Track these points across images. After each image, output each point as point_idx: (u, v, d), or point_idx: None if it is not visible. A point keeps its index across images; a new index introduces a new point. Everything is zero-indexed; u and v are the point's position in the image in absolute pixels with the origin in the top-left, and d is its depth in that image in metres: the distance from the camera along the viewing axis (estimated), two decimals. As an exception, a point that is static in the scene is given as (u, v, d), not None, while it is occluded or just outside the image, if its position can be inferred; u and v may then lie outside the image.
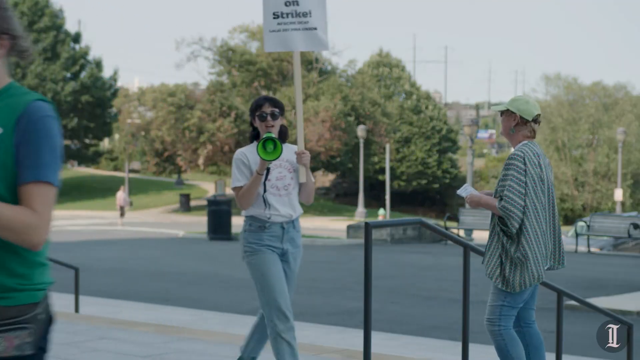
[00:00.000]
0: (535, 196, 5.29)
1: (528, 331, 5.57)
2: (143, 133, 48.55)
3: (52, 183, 2.24)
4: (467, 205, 24.84)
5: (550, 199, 5.44)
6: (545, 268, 5.42)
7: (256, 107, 5.45)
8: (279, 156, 4.98)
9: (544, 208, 5.34)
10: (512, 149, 5.49)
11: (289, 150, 5.57)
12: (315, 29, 5.68)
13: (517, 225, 5.24)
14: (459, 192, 5.74)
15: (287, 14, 5.69)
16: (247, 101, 46.20)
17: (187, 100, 46.55)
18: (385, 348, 7.80)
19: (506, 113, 5.49)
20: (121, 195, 34.86)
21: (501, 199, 5.27)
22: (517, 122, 5.45)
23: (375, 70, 57.21)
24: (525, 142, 5.42)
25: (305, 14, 5.68)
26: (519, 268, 5.27)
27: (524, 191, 5.24)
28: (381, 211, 38.62)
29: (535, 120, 5.45)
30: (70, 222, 34.30)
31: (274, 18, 5.67)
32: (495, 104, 5.58)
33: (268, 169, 5.36)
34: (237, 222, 30.43)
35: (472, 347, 6.59)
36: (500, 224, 5.32)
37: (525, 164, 5.27)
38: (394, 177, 51.34)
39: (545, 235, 5.35)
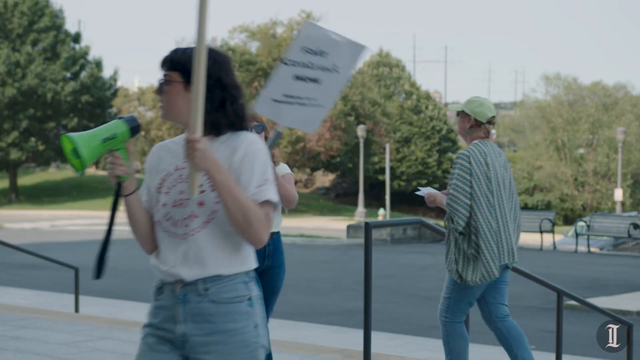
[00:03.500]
0: (481, 194, 5.37)
1: (504, 325, 5.63)
2: (143, 133, 48.53)
3: None
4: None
5: (506, 196, 5.49)
6: (502, 265, 5.47)
7: None
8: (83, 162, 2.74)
9: (493, 206, 5.39)
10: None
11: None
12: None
13: (462, 223, 5.33)
14: (417, 192, 5.85)
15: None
16: (247, 101, 46.18)
17: (187, 100, 46.56)
18: (385, 348, 7.80)
19: (462, 114, 5.62)
20: None
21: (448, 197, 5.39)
22: (471, 124, 5.55)
23: (375, 70, 57.17)
24: (476, 141, 5.52)
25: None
26: (471, 264, 5.37)
27: (469, 189, 5.35)
28: (381, 211, 38.61)
29: (490, 121, 5.55)
30: (70, 222, 34.28)
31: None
32: (453, 104, 5.64)
33: None
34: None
35: (472, 347, 6.58)
36: (451, 221, 5.42)
37: (470, 162, 5.37)
38: (394, 177, 51.33)
39: (497, 234, 5.40)
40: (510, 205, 5.53)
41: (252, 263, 2.92)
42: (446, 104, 79.12)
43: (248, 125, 2.97)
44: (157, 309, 2.94)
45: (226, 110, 2.91)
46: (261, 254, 5.11)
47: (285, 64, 4.57)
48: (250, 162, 2.80)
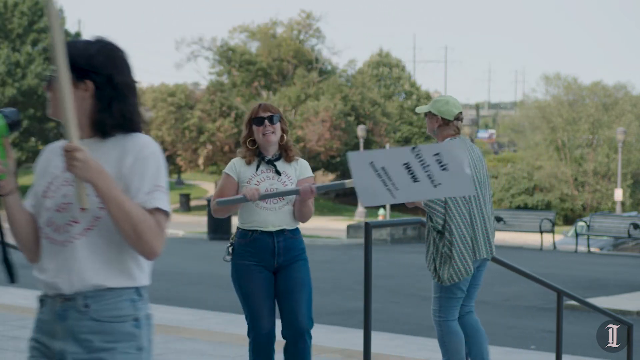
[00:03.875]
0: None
1: (462, 321, 5.71)
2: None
3: None
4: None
5: (481, 190, 5.54)
6: (477, 260, 5.53)
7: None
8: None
9: (468, 202, 5.44)
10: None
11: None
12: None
13: (440, 221, 5.38)
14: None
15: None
16: (247, 101, 46.18)
17: (187, 100, 46.55)
18: (385, 348, 7.79)
19: (429, 115, 5.71)
20: None
21: None
22: (439, 124, 5.60)
23: (375, 70, 57.17)
24: (448, 139, 5.56)
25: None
26: (447, 263, 5.41)
27: None
28: (381, 211, 38.61)
29: (457, 118, 5.61)
30: (70, 222, 34.25)
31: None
32: (420, 107, 5.70)
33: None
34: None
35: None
36: (430, 220, 5.47)
37: None
38: (394, 177, 51.27)
39: (472, 228, 5.45)
40: (486, 198, 5.61)
41: (145, 279, 2.67)
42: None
43: (140, 127, 2.76)
44: (38, 322, 2.72)
45: (112, 110, 2.68)
46: (270, 252, 5.00)
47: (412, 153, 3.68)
48: (141, 167, 2.60)
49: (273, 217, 5.00)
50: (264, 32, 47.90)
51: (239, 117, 45.10)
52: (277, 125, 5.04)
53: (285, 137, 5.08)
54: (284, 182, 5.01)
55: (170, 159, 48.88)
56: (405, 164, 3.75)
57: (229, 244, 5.12)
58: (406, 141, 55.05)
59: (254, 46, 48.55)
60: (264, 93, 47.27)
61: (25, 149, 45.04)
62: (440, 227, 5.40)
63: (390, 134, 50.06)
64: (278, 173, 5.02)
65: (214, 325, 9.28)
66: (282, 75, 48.00)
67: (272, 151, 5.08)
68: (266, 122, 5.02)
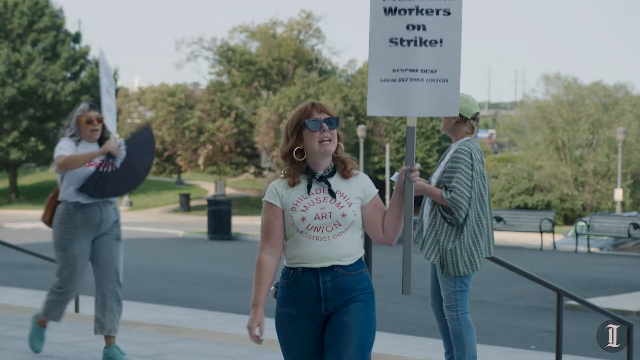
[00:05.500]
0: (478, 190, 5.52)
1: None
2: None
3: None
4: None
5: (487, 193, 5.64)
6: (484, 257, 5.65)
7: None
8: None
9: (484, 202, 5.56)
10: (453, 144, 5.68)
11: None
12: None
13: (463, 216, 5.44)
14: (392, 177, 5.87)
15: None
16: (247, 101, 46.20)
17: (187, 100, 46.53)
18: (385, 348, 7.80)
19: None
20: None
21: (446, 189, 5.45)
22: (457, 120, 5.63)
23: (375, 70, 57.07)
24: (468, 138, 5.63)
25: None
26: (464, 255, 5.47)
27: (470, 184, 5.47)
28: (381, 211, 38.59)
29: (474, 117, 5.65)
30: (70, 222, 34.24)
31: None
32: None
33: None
34: (238, 222, 30.42)
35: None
36: (445, 213, 5.49)
37: (472, 158, 5.49)
38: (394, 177, 51.30)
39: (485, 228, 5.58)
40: (489, 200, 5.68)
41: None
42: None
43: None
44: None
45: None
46: (314, 297, 3.85)
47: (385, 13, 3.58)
48: None
49: (322, 249, 3.85)
50: (264, 32, 47.89)
51: (239, 117, 45.09)
52: (335, 132, 3.95)
53: (342, 147, 3.98)
54: (340, 203, 3.88)
55: (170, 159, 48.86)
56: (405, 26, 3.77)
57: (274, 285, 4.00)
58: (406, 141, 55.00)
59: (254, 46, 48.53)
60: (264, 93, 47.26)
61: (25, 149, 45.01)
62: (462, 221, 5.44)
63: (390, 134, 50.06)
64: (332, 194, 3.89)
65: (214, 325, 9.28)
66: (282, 75, 47.99)
67: (324, 165, 3.93)
68: (324, 125, 3.91)
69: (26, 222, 32.70)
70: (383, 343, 8.10)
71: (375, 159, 49.76)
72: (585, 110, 49.57)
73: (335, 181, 3.93)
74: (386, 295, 12.51)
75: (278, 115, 43.75)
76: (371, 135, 46.60)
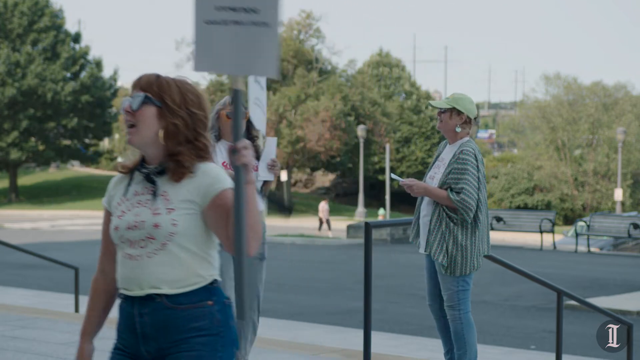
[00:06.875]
0: (482, 190, 5.56)
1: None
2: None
3: None
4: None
5: (485, 192, 5.69)
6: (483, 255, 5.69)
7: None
8: None
9: (486, 201, 5.59)
10: (450, 145, 5.63)
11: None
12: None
13: (472, 216, 5.46)
14: (394, 176, 5.85)
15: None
16: (247, 101, 46.16)
17: (187, 100, 46.55)
18: (385, 348, 7.79)
19: (451, 111, 5.63)
20: (324, 206, 32.35)
21: (452, 190, 5.45)
22: (464, 121, 5.60)
23: (375, 70, 57.16)
24: (468, 138, 5.62)
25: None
26: (468, 254, 5.48)
27: (477, 186, 5.49)
28: (381, 211, 38.62)
29: (475, 118, 5.67)
30: (70, 222, 34.28)
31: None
32: (437, 101, 5.64)
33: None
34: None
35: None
36: (451, 213, 5.49)
37: (476, 159, 5.50)
38: (394, 177, 51.28)
39: (485, 226, 5.61)
40: (485, 199, 5.71)
41: None
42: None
43: None
44: None
45: None
46: (133, 333, 3.02)
47: None
48: None
49: (135, 271, 2.83)
50: (264, 32, 47.91)
51: (239, 117, 45.06)
52: (148, 113, 2.88)
53: (184, 136, 2.97)
54: (157, 209, 2.84)
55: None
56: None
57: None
58: (406, 141, 55.05)
59: (254, 46, 48.53)
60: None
61: (25, 149, 45.02)
62: (469, 221, 5.47)
63: (390, 134, 50.07)
64: (155, 197, 3.02)
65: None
66: (282, 75, 48.00)
67: (155, 158, 2.96)
68: (127, 106, 2.86)
69: (26, 222, 32.72)
70: (383, 343, 8.10)
71: (375, 159, 49.76)
72: (585, 110, 49.60)
73: (166, 180, 2.81)
74: (386, 295, 12.51)
75: (278, 115, 43.77)
76: (371, 135, 46.61)
